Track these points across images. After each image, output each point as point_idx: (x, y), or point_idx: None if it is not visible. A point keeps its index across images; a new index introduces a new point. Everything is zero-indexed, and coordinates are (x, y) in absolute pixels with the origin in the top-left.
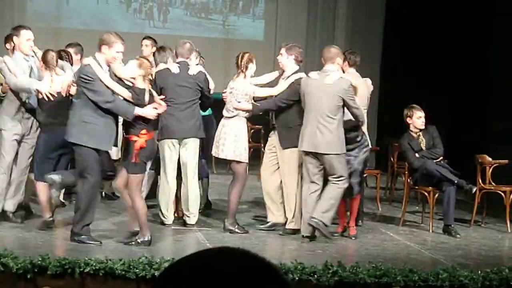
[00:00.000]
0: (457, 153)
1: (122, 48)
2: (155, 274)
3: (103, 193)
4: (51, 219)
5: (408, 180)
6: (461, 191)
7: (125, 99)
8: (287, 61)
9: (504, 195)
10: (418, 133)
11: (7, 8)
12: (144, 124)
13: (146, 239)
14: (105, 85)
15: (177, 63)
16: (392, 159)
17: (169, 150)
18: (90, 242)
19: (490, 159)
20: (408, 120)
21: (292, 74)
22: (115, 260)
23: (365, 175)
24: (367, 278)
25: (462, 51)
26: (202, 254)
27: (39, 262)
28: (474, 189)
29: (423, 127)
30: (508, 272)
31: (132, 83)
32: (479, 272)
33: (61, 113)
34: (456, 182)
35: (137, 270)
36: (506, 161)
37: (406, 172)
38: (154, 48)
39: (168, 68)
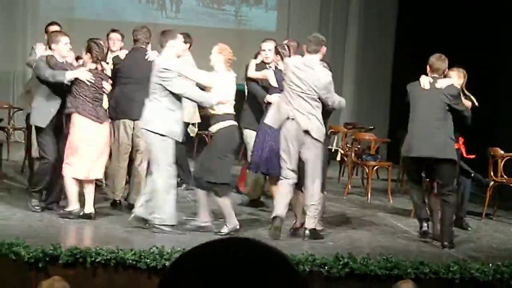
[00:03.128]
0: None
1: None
2: (166, 264)
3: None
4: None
5: None
6: (473, 184)
7: None
8: None
9: None
10: None
11: None
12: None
13: None
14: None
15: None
16: None
17: None
18: None
19: (502, 152)
20: None
21: None
22: (126, 250)
23: (376, 167)
24: (378, 270)
25: (472, 45)
26: (212, 244)
27: (50, 251)
28: (491, 183)
29: None
30: None
31: None
32: (490, 265)
33: None
34: (473, 174)
35: (148, 260)
36: None
37: None
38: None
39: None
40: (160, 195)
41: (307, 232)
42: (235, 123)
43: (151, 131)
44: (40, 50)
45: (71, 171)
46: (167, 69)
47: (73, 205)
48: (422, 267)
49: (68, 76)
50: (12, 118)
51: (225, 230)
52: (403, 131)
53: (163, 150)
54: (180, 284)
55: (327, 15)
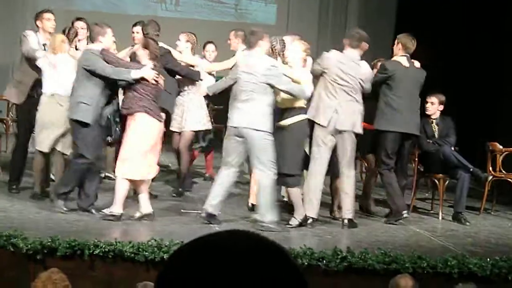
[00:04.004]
0: (465, 142)
1: None
2: (164, 257)
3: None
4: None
5: (418, 166)
6: (472, 179)
7: None
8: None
9: None
10: (434, 120)
11: None
12: None
13: None
14: None
15: None
16: None
17: None
18: None
19: (501, 147)
20: (426, 105)
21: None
22: (124, 243)
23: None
24: (376, 264)
25: (472, 40)
26: (211, 236)
27: (48, 243)
28: (490, 178)
29: (430, 112)
30: None
31: None
32: (488, 259)
33: None
34: (471, 169)
35: (146, 253)
36: None
37: (416, 159)
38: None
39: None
40: (267, 193)
41: (345, 221)
42: (307, 116)
43: (258, 130)
44: (33, 38)
45: (128, 171)
46: (275, 66)
47: (119, 208)
48: (420, 261)
49: (134, 75)
50: (10, 110)
51: (295, 222)
52: None
53: (269, 148)
54: (179, 277)
55: (327, 8)
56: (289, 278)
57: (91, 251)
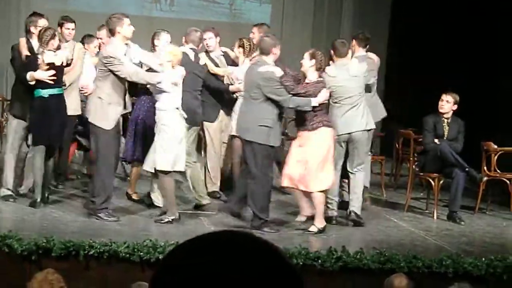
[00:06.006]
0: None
1: None
2: (159, 257)
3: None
4: None
5: (413, 166)
6: (467, 179)
7: None
8: None
9: (509, 182)
10: (446, 119)
11: None
12: None
13: None
14: None
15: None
16: (397, 145)
17: None
18: None
19: (495, 146)
20: (440, 102)
21: None
22: (119, 243)
23: (372, 160)
24: (371, 264)
25: (469, 39)
26: (206, 237)
27: (43, 244)
28: (484, 179)
29: (444, 111)
30: None
31: None
32: (483, 259)
33: None
34: (467, 169)
35: (141, 253)
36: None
37: (411, 159)
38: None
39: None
40: (361, 190)
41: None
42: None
43: (370, 130)
44: (122, 56)
45: (321, 184)
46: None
47: (323, 221)
48: (415, 261)
49: (313, 104)
50: (5, 111)
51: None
52: (396, 124)
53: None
54: (174, 277)
55: (322, 8)
56: (285, 278)
57: (86, 251)
